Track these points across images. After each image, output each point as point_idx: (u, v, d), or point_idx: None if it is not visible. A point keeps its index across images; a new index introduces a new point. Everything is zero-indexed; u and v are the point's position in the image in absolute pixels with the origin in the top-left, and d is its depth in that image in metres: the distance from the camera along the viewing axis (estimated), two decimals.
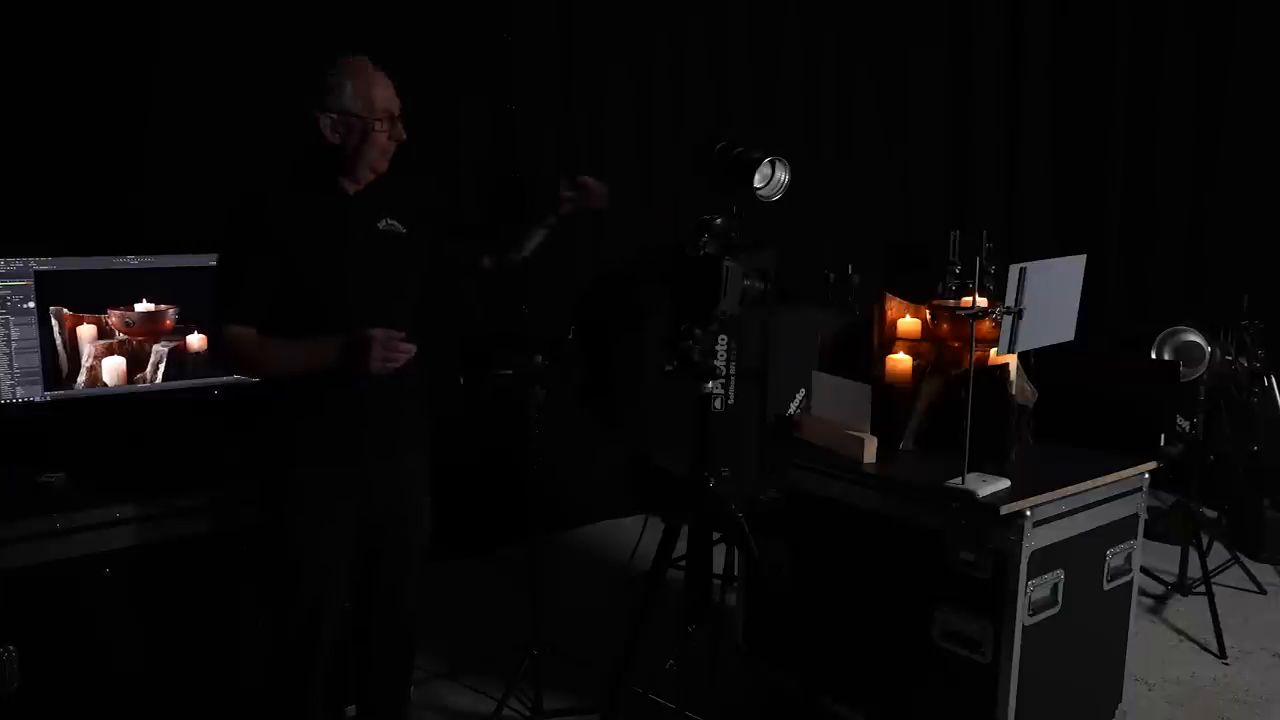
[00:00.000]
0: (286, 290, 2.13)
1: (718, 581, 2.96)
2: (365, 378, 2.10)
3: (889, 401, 2.73)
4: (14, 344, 2.56)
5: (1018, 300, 2.32)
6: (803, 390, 2.84)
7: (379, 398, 2.20)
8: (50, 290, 2.59)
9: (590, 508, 4.65)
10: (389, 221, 2.26)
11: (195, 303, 2.69)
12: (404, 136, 2.22)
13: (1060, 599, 2.43)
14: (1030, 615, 2.35)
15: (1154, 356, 3.55)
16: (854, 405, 2.65)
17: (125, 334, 2.70)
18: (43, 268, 2.58)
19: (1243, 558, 4.00)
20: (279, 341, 2.13)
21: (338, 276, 2.16)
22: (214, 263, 2.19)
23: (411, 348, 2.11)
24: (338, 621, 2.30)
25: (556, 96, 4.41)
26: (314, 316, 2.14)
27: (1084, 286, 2.56)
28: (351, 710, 2.67)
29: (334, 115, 2.12)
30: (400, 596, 2.39)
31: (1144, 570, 3.14)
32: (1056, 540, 2.41)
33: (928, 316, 2.84)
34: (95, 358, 2.66)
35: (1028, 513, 2.30)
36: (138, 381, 2.73)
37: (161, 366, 2.74)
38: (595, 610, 3.64)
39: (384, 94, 2.18)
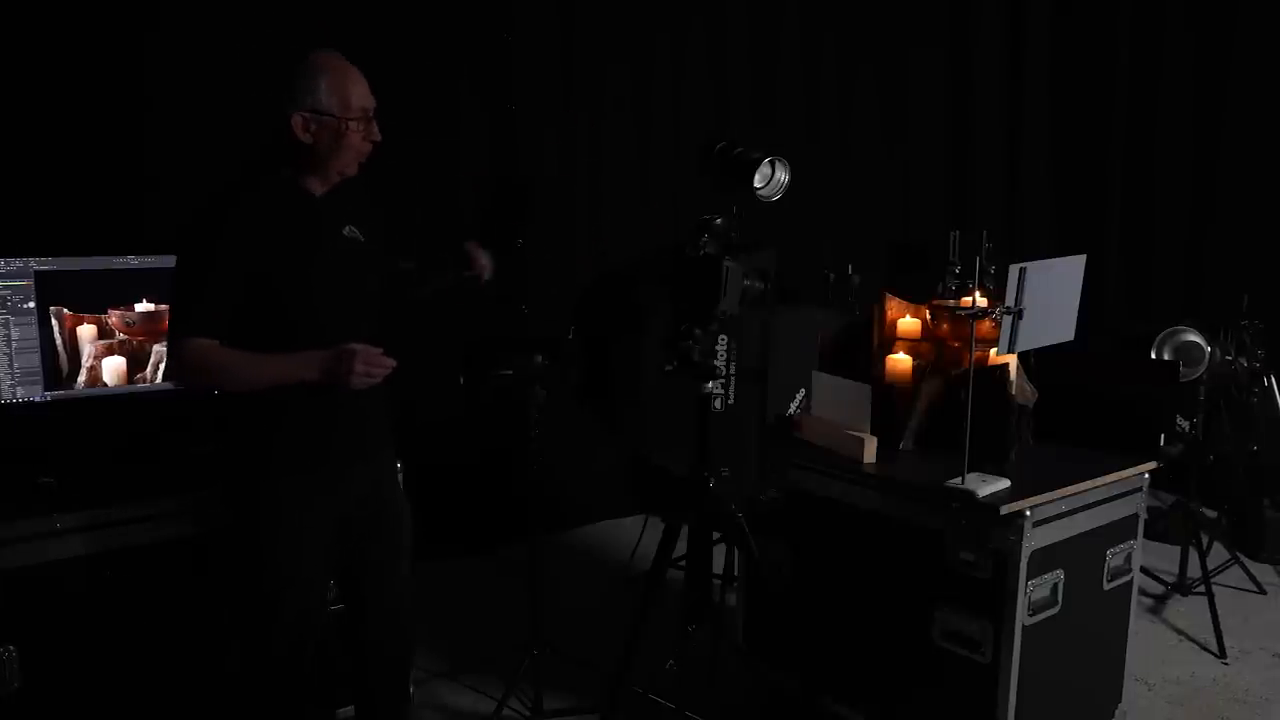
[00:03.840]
0: (252, 297, 2.02)
1: (718, 581, 2.96)
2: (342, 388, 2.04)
3: (889, 401, 2.73)
4: (14, 344, 2.56)
5: (1018, 300, 2.32)
6: (803, 390, 2.83)
7: (348, 402, 2.11)
8: (50, 290, 2.59)
9: (590, 508, 4.65)
10: (351, 229, 2.18)
11: None
12: (379, 137, 2.14)
13: (1060, 599, 2.43)
14: (1030, 615, 2.35)
15: (1154, 356, 3.55)
16: (854, 405, 2.65)
17: (125, 334, 2.70)
18: (43, 268, 2.58)
19: (1243, 558, 4.00)
20: (253, 356, 2.02)
21: (305, 283, 2.07)
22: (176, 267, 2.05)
23: (392, 362, 2.05)
24: (322, 630, 2.25)
25: (556, 96, 4.41)
26: (280, 325, 2.05)
27: (1084, 286, 2.55)
28: (348, 711, 2.66)
29: (307, 114, 2.02)
30: (396, 597, 2.37)
31: (1144, 570, 3.14)
32: (1056, 540, 2.40)
33: (928, 316, 2.84)
34: (95, 358, 2.66)
35: (1027, 513, 2.30)
36: (138, 381, 2.73)
37: (162, 366, 2.74)
38: (595, 610, 3.64)
39: (359, 91, 2.08)
